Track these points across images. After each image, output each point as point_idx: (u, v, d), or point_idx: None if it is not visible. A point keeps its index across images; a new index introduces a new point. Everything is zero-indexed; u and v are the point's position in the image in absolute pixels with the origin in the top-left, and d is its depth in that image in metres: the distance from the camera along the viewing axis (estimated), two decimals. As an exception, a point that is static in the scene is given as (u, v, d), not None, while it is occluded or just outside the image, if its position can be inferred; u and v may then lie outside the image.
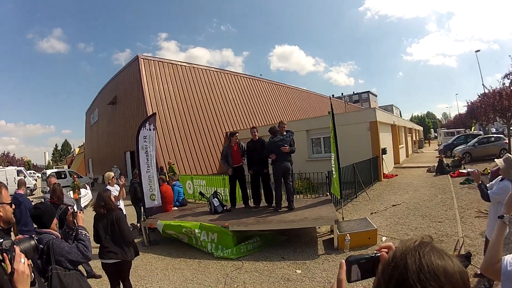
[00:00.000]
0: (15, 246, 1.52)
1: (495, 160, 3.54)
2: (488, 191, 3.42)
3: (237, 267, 5.22)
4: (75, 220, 2.92)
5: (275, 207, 6.93)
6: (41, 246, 2.54)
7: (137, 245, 4.21)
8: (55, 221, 2.82)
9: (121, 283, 3.97)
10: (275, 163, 6.77)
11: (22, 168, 21.64)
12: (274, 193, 7.09)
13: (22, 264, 1.43)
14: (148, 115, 10.29)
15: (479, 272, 4.02)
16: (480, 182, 3.49)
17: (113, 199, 4.16)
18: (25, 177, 18.97)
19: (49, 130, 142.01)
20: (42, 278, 2.54)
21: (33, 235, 2.16)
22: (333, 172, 7.62)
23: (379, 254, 0.93)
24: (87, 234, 2.84)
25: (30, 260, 1.56)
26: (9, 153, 40.65)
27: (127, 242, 3.85)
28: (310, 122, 16.81)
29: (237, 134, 7.52)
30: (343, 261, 0.95)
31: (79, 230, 2.81)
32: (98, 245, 3.78)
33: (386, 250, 0.93)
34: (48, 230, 2.72)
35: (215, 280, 4.84)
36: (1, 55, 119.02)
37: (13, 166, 24.19)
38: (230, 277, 4.86)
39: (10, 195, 2.22)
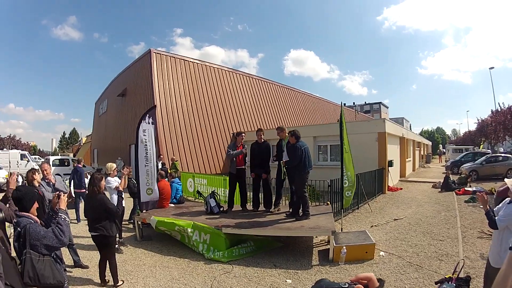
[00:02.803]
0: None
1: (505, 180, 3.27)
2: (496, 218, 3.10)
3: (226, 271, 5.04)
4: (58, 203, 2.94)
5: (275, 205, 7.16)
6: (18, 229, 2.66)
7: (119, 224, 5.09)
8: (35, 205, 2.87)
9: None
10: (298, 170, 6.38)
11: (26, 152, 21.49)
12: (276, 194, 7.24)
13: None
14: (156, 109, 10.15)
15: None
16: (488, 208, 3.20)
17: (103, 183, 4.60)
18: (28, 161, 19.07)
19: (58, 117, 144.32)
20: (19, 260, 2.62)
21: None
22: (346, 182, 7.56)
23: (354, 286, 0.75)
24: (67, 219, 2.85)
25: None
26: (15, 136, 41.00)
27: (111, 219, 4.50)
28: (318, 128, 16.57)
29: (243, 135, 7.33)
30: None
31: (59, 214, 2.83)
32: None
33: (365, 281, 0.75)
34: (27, 214, 2.77)
35: (202, 282, 4.67)
36: (15, 39, 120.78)
37: (17, 149, 24.25)
38: (217, 281, 4.68)
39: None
